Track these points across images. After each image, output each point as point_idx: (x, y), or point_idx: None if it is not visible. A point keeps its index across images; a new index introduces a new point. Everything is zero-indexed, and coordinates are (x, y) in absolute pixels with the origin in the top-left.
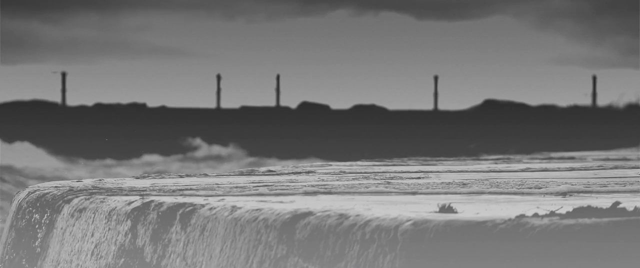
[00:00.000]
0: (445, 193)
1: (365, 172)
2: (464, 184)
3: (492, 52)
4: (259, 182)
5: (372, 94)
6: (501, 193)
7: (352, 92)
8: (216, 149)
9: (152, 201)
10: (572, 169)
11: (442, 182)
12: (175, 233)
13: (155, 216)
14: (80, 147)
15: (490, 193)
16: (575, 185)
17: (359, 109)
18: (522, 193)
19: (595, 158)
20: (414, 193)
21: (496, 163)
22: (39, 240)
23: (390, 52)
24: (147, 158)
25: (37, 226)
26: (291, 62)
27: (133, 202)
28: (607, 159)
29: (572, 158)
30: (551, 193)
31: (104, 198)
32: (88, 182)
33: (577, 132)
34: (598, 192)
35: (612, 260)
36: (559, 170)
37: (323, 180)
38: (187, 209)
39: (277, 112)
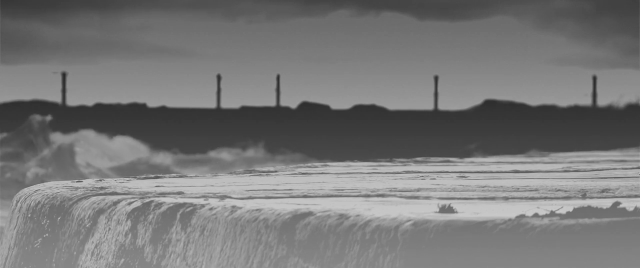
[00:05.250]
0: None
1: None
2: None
3: (492, 52)
4: (260, 184)
5: (372, 94)
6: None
7: (352, 92)
8: (217, 150)
9: (152, 201)
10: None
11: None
12: (176, 234)
13: (156, 216)
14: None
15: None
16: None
17: (359, 109)
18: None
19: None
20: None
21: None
22: (44, 242)
23: (391, 52)
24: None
25: (40, 227)
26: (291, 62)
27: (133, 202)
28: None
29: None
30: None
31: (104, 199)
32: (88, 182)
33: (577, 132)
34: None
35: (612, 260)
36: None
37: (325, 180)
38: (187, 209)
39: (277, 112)
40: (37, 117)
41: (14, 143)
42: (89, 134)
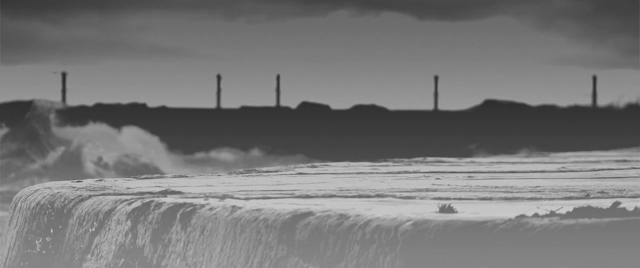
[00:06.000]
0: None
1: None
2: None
3: (492, 52)
4: (259, 184)
5: (372, 94)
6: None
7: (352, 92)
8: (217, 150)
9: (152, 201)
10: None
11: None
12: (176, 234)
13: (156, 216)
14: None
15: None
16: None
17: (359, 109)
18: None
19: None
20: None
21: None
22: (44, 243)
23: (391, 52)
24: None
25: (40, 228)
26: (291, 62)
27: (133, 202)
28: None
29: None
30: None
31: (104, 198)
32: (88, 182)
33: (577, 132)
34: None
35: (612, 260)
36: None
37: (325, 180)
38: (187, 209)
39: (277, 112)
40: (43, 101)
41: (19, 135)
42: (100, 128)
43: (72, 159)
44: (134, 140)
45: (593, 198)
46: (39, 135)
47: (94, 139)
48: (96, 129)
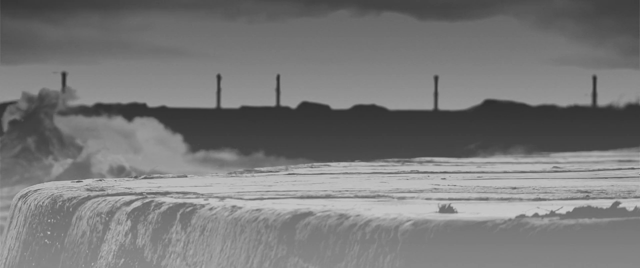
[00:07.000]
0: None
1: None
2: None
3: (492, 52)
4: (259, 184)
5: (372, 94)
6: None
7: (352, 92)
8: (217, 150)
9: (152, 201)
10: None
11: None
12: (176, 234)
13: (156, 216)
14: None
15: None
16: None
17: (359, 109)
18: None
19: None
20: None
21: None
22: (44, 242)
23: (391, 52)
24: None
25: (41, 228)
26: (291, 62)
27: (133, 202)
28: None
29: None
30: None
31: (104, 199)
32: (88, 182)
33: (577, 132)
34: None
35: (612, 261)
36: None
37: (325, 180)
38: (187, 209)
39: (277, 112)
40: (48, 90)
41: (25, 128)
42: (112, 123)
43: (81, 167)
44: (149, 138)
45: (593, 198)
46: (45, 129)
47: (104, 136)
48: (106, 124)
